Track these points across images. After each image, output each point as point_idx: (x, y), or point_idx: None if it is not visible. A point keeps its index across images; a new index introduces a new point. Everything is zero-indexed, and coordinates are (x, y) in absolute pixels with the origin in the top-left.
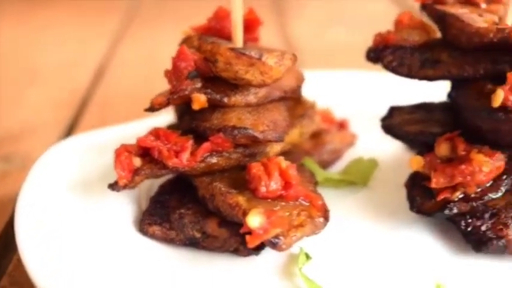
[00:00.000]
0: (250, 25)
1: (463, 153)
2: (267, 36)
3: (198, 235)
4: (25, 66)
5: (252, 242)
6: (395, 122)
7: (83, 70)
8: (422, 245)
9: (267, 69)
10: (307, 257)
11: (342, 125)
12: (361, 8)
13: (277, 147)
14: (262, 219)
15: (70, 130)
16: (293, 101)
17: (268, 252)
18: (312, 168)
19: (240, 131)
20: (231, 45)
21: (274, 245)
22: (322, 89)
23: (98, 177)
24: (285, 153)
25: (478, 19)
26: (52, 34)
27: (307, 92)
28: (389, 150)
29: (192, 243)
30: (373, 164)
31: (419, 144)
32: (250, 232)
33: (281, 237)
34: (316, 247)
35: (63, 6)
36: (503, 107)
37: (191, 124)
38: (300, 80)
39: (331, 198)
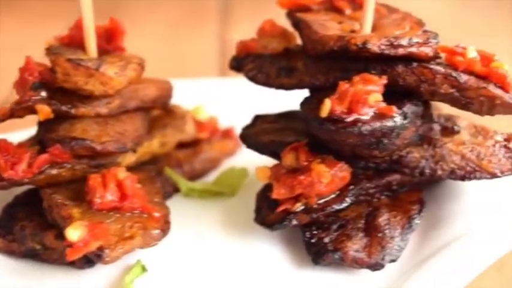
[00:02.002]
0: (113, 35)
1: (305, 163)
2: None
3: (38, 247)
4: None
5: (71, 255)
6: (253, 132)
7: None
8: (269, 257)
9: (107, 80)
10: (143, 269)
11: (227, 134)
12: None
13: (131, 158)
14: (83, 232)
15: None
16: (159, 111)
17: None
18: (174, 178)
19: (77, 142)
20: (74, 56)
21: (98, 258)
22: (211, 96)
23: None
24: (152, 163)
25: (333, 26)
26: None
27: (195, 100)
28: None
29: (33, 256)
30: (242, 173)
31: (271, 154)
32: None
33: (106, 250)
34: (157, 259)
35: None
36: (330, 118)
37: (43, 135)
38: (164, 89)
39: (195, 208)
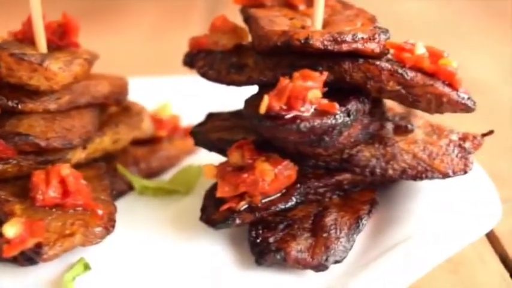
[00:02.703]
0: (66, 30)
1: (250, 161)
2: None
3: None
4: None
5: (7, 252)
6: (204, 129)
7: None
8: (213, 257)
9: (51, 75)
10: (86, 267)
11: (188, 133)
12: None
13: (80, 155)
14: (19, 229)
15: None
16: (116, 108)
17: (53, 262)
18: (126, 175)
19: (20, 138)
20: (21, 51)
21: (36, 255)
22: (174, 94)
23: None
24: (106, 160)
25: (283, 22)
26: None
27: (157, 98)
28: None
29: None
30: (198, 172)
31: (220, 152)
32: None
33: (45, 247)
34: (102, 258)
35: None
36: (269, 114)
37: None
38: (117, 86)
39: (147, 207)
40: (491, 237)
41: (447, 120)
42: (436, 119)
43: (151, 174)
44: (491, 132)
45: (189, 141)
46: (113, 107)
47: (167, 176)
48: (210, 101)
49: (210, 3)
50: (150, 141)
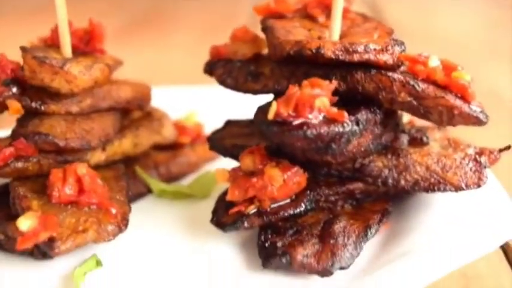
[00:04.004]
0: (92, 37)
1: (260, 166)
2: None
3: (1, 237)
4: None
5: (21, 245)
6: (220, 135)
7: None
8: (222, 259)
9: (71, 78)
10: (98, 263)
11: None
12: None
13: (100, 156)
14: (34, 223)
15: None
16: (139, 113)
17: (67, 256)
18: (145, 178)
19: (40, 137)
20: (42, 54)
21: (49, 249)
22: (198, 103)
23: None
24: (126, 163)
25: (300, 33)
26: None
27: (181, 107)
28: None
29: None
30: (216, 178)
31: (234, 157)
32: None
33: (58, 242)
34: (115, 256)
35: None
36: (276, 120)
37: (15, 131)
38: (140, 92)
39: (164, 209)
40: (508, 253)
41: (472, 134)
42: (459, 133)
43: (170, 178)
44: (508, 147)
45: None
46: (136, 112)
47: (186, 181)
48: (235, 111)
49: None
50: (173, 147)
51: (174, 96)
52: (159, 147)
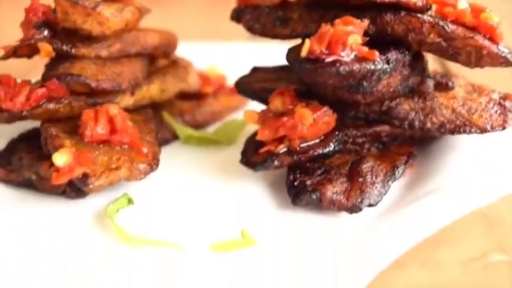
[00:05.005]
0: None
1: (291, 107)
2: None
3: (33, 177)
4: None
5: (56, 179)
6: (248, 80)
7: None
8: (251, 198)
9: (103, 20)
10: (129, 201)
11: (234, 91)
12: None
13: (129, 100)
14: (68, 158)
15: None
16: (165, 62)
17: (96, 196)
18: (171, 123)
19: (72, 77)
20: None
21: (83, 184)
22: (220, 58)
23: None
24: (154, 110)
25: None
26: None
27: (203, 61)
28: None
29: (28, 185)
30: (241, 125)
31: (262, 101)
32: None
33: (92, 178)
34: (146, 195)
35: None
36: (309, 58)
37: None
38: (167, 39)
39: (190, 154)
40: None
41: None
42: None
43: (195, 126)
44: None
45: (234, 99)
46: (162, 60)
47: (211, 129)
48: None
49: None
50: (197, 97)
51: (196, 51)
52: (183, 97)
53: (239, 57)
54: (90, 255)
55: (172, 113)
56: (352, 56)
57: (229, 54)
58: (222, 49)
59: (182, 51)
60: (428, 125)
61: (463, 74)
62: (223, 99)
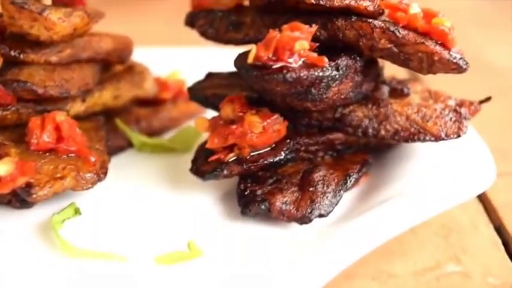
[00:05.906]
0: None
1: (240, 114)
2: None
3: None
4: None
5: None
6: (201, 86)
7: None
8: (200, 208)
9: (50, 25)
10: (76, 211)
11: None
12: None
13: (80, 107)
14: (11, 168)
15: None
16: (121, 67)
17: (44, 206)
18: (125, 130)
19: (19, 84)
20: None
21: (26, 194)
22: (179, 63)
23: None
24: (107, 116)
25: None
26: None
27: (163, 66)
28: None
29: None
30: (197, 132)
31: (214, 107)
32: None
33: (36, 187)
34: (94, 206)
35: None
36: (256, 64)
37: None
38: (121, 44)
39: (143, 162)
40: (488, 208)
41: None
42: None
43: (152, 133)
44: (488, 99)
45: (192, 105)
46: (118, 66)
47: (167, 136)
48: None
49: None
50: (154, 103)
51: (155, 57)
52: (140, 103)
53: (202, 63)
54: (32, 267)
55: (129, 119)
56: (300, 62)
57: (191, 59)
58: (184, 54)
59: (142, 56)
60: (382, 132)
61: (423, 79)
62: (181, 106)
